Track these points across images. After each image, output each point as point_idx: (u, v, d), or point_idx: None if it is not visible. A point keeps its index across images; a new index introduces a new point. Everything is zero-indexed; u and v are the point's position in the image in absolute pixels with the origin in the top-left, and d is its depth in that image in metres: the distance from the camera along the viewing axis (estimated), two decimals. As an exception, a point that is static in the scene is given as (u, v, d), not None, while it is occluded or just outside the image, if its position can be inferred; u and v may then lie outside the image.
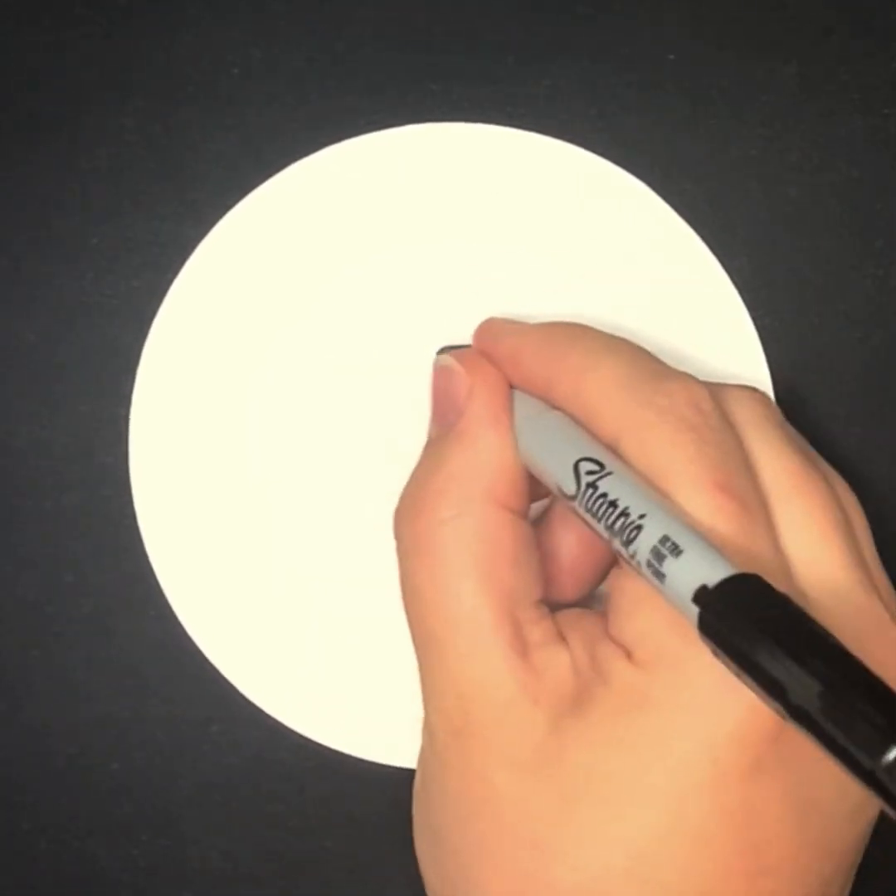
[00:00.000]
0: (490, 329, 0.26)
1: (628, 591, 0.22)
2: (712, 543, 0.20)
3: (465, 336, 0.28)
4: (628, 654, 0.22)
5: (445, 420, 0.25)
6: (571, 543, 0.26)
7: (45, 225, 0.28)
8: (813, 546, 0.22)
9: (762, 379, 0.28)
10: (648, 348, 0.25)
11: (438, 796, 0.23)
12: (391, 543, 0.28)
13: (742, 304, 0.28)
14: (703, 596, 0.19)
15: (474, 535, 0.23)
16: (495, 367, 0.25)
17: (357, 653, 0.28)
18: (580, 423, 0.23)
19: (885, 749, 0.16)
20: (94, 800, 0.29)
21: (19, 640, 0.29)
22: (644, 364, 0.24)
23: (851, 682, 0.17)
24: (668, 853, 0.21)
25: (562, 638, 0.23)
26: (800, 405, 0.28)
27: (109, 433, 0.28)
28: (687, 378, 0.23)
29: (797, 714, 0.17)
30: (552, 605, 0.24)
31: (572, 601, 0.26)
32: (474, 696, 0.22)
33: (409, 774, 0.28)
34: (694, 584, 0.19)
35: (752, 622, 0.18)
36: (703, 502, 0.21)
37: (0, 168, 0.28)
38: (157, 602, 0.28)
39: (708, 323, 0.28)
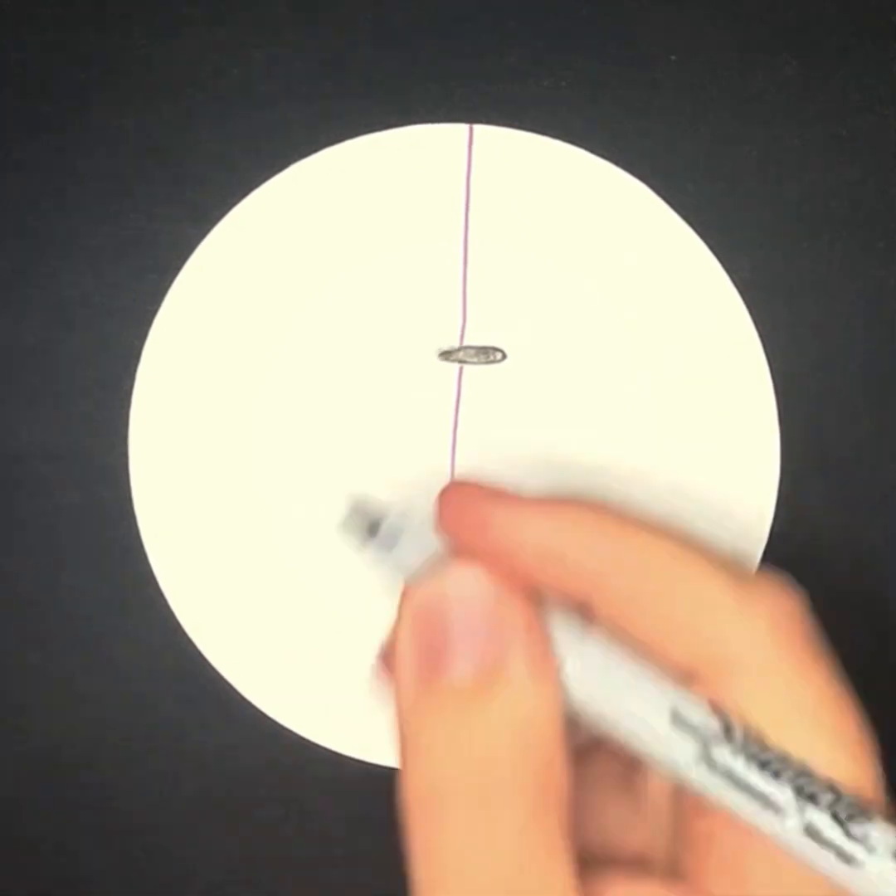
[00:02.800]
0: (473, 506, 0.18)
1: (728, 843, 0.18)
2: None
3: (461, 334, 0.28)
4: None
5: (447, 669, 0.18)
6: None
7: (45, 225, 0.28)
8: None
9: (762, 379, 0.28)
10: (648, 350, 0.25)
11: None
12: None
13: (742, 304, 0.28)
14: None
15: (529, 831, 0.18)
16: (502, 562, 0.18)
17: (357, 654, 0.28)
18: (651, 644, 0.19)
19: None
20: (94, 800, 0.29)
21: (19, 641, 0.28)
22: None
23: None
24: None
25: None
26: (800, 405, 0.28)
27: (109, 433, 0.28)
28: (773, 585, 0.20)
29: None
30: None
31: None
32: None
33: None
34: None
35: None
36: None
37: (0, 168, 0.28)
38: (157, 602, 0.28)
39: (708, 323, 0.28)
